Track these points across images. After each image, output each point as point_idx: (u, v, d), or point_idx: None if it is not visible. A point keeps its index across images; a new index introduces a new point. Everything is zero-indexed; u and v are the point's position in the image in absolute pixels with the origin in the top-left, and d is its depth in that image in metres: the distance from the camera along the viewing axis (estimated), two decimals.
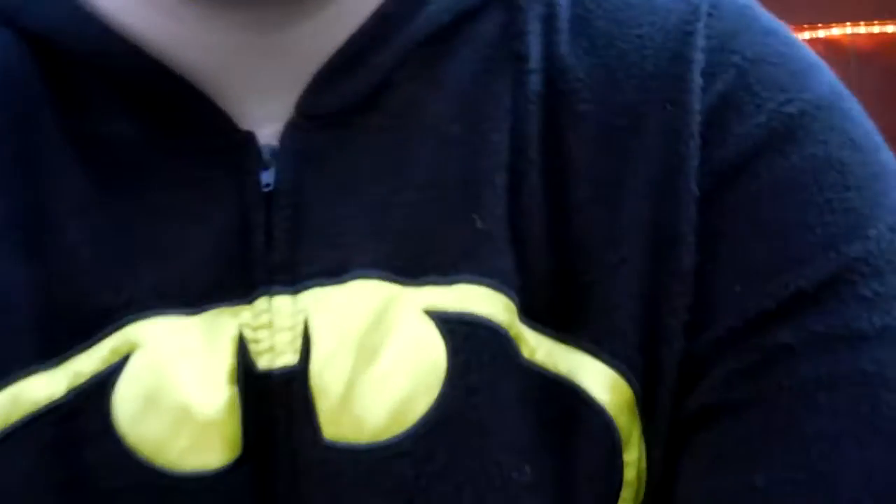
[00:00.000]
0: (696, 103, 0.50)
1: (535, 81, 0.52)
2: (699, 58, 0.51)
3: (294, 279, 0.49)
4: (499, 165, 0.51)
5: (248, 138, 0.50)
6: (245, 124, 0.51)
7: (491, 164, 0.50)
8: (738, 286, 0.49)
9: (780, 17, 0.56)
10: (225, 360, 0.47)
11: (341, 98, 0.51)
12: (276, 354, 0.48)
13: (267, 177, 0.50)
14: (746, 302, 0.48)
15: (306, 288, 0.49)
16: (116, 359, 0.47)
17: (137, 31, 0.51)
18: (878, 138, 0.52)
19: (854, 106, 0.53)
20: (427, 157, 0.51)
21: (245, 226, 0.49)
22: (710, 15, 0.53)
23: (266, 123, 0.51)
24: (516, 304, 0.49)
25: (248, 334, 0.48)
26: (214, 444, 0.47)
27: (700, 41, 0.51)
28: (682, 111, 0.50)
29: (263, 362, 0.48)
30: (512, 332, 0.49)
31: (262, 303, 0.48)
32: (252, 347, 0.48)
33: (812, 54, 0.54)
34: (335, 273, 0.49)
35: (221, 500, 0.47)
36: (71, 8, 0.51)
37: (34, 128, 0.50)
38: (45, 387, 0.47)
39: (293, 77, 0.51)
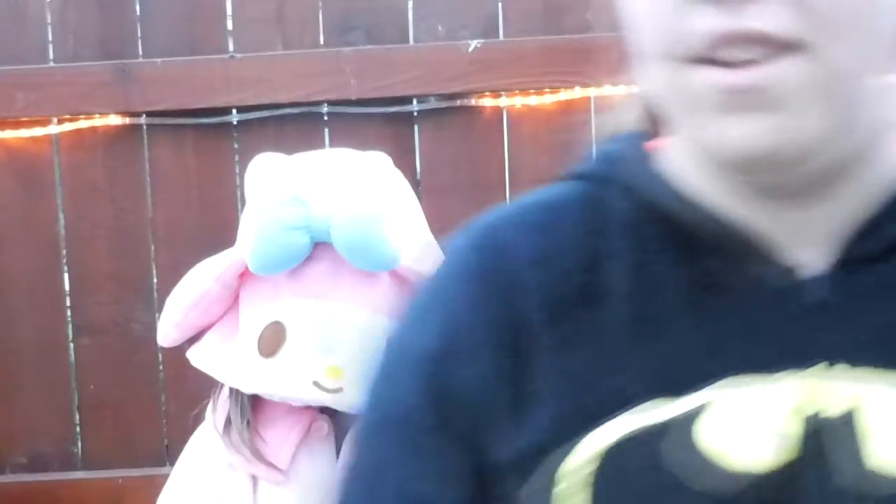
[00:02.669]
0: None
1: None
2: None
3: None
4: None
5: (791, 271, 0.62)
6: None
7: None
8: None
9: None
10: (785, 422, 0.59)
11: (886, 242, 0.61)
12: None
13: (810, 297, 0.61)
14: None
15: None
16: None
17: (706, 198, 0.66)
18: None
19: None
20: None
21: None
22: None
23: (804, 269, 0.62)
24: None
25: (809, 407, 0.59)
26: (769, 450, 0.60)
27: None
28: None
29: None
30: None
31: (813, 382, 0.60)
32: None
33: None
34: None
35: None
36: (660, 183, 0.68)
37: (654, 282, 0.64)
38: (649, 418, 0.63)
39: (833, 229, 0.62)
